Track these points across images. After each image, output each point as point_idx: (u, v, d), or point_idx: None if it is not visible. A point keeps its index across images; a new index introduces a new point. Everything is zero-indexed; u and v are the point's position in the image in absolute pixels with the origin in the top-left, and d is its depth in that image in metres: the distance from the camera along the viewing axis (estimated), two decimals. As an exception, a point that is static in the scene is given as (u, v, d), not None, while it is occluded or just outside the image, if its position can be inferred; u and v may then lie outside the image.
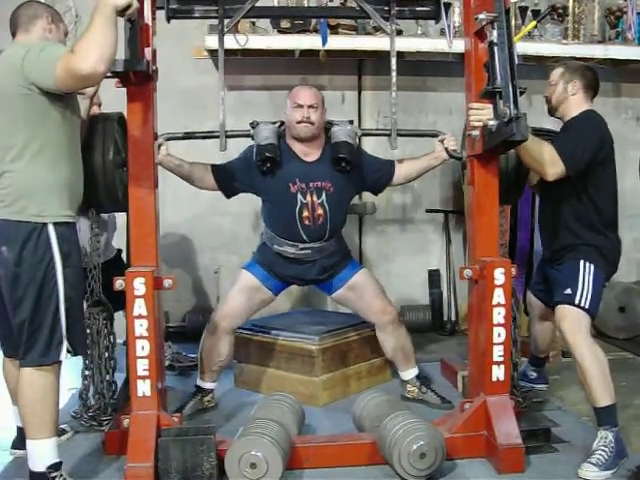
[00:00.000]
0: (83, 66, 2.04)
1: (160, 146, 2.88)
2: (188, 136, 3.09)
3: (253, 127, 3.07)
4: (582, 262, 2.74)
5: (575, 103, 2.85)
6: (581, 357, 2.59)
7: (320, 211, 3.04)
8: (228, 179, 3.11)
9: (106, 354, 2.96)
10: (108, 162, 2.66)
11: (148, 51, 2.52)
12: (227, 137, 2.98)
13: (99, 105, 3.26)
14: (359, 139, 3.19)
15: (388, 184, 3.24)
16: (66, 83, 2.14)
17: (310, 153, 3.09)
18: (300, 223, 3.04)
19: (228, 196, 3.21)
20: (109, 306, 2.99)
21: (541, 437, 2.68)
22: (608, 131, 2.81)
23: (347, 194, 3.18)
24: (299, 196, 3.03)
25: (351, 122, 3.21)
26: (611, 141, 2.81)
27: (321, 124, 3.07)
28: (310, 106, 3.00)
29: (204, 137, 3.05)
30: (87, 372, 2.96)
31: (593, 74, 2.90)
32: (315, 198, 3.03)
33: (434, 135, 3.11)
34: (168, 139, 2.96)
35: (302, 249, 3.09)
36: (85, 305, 2.91)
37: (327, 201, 3.05)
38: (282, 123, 3.14)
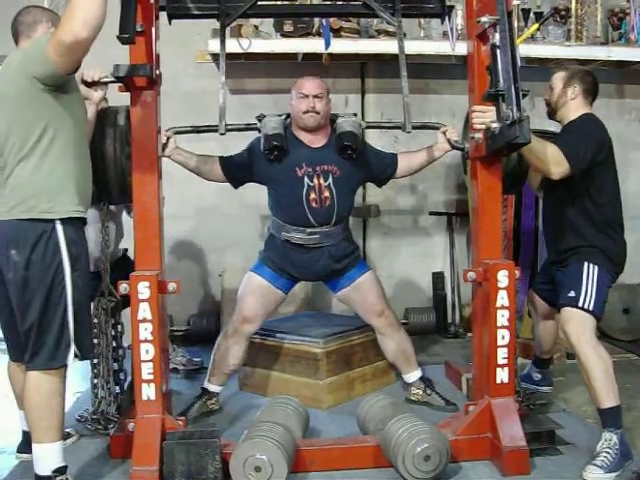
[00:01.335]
0: (65, 36, 2.03)
1: (168, 139, 2.90)
2: (196, 129, 3.10)
3: (260, 120, 3.10)
4: (586, 264, 2.75)
5: (574, 107, 2.87)
6: (585, 358, 2.59)
7: (327, 193, 3.06)
8: (236, 169, 3.14)
9: (114, 343, 3.03)
10: (119, 153, 2.67)
11: (152, 55, 2.53)
12: (234, 130, 2.99)
13: None
14: (363, 131, 3.22)
15: (392, 175, 3.25)
16: (60, 62, 2.12)
17: (316, 141, 3.12)
18: (307, 206, 3.05)
19: (236, 187, 3.24)
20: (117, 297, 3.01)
21: (545, 439, 2.68)
22: (607, 133, 2.82)
23: (353, 180, 3.18)
24: (306, 179, 3.05)
25: (355, 115, 3.24)
26: (610, 143, 2.82)
27: (327, 113, 3.10)
28: (315, 96, 3.03)
29: (212, 131, 3.05)
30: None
31: (593, 79, 2.91)
32: (322, 181, 3.05)
33: (436, 128, 3.12)
34: (176, 133, 2.98)
35: (310, 234, 3.08)
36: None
37: (334, 184, 3.06)
38: (288, 115, 3.16)
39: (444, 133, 3.04)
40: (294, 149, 3.07)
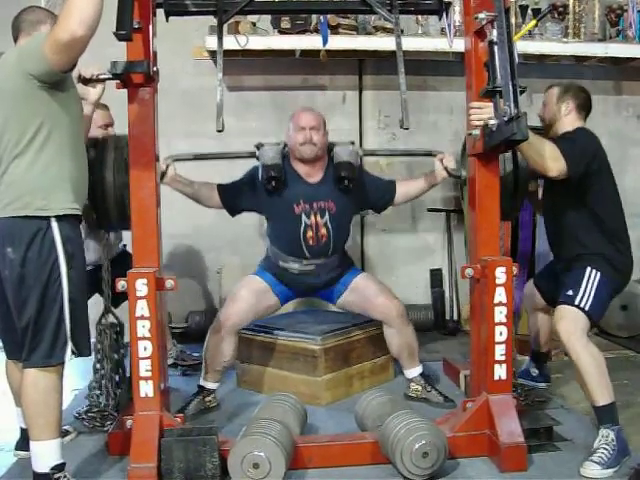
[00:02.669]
0: (62, 34, 2.03)
1: (167, 167, 2.94)
2: (196, 157, 3.17)
3: (258, 148, 3.16)
4: (589, 269, 2.77)
5: (568, 123, 2.93)
6: (577, 357, 2.61)
7: (323, 231, 3.13)
8: (234, 198, 3.20)
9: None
10: (119, 181, 2.68)
11: (150, 52, 2.53)
12: (234, 157, 3.05)
13: (112, 125, 3.32)
14: (361, 159, 3.29)
15: (390, 203, 3.33)
16: (56, 59, 2.12)
17: (313, 174, 3.17)
18: (304, 243, 3.13)
19: (233, 214, 3.29)
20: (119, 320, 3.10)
21: (543, 436, 2.68)
22: (601, 145, 2.88)
23: (349, 213, 3.29)
24: (303, 217, 3.12)
25: (352, 143, 3.29)
26: (605, 156, 2.87)
27: (324, 145, 3.15)
28: (312, 128, 3.09)
29: (212, 158, 3.13)
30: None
31: (586, 95, 2.98)
32: (319, 218, 3.12)
33: (433, 155, 3.18)
34: (175, 160, 3.03)
35: (306, 265, 3.18)
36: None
37: (330, 221, 3.14)
38: (286, 144, 3.21)
39: (441, 160, 3.08)
40: (292, 183, 3.13)
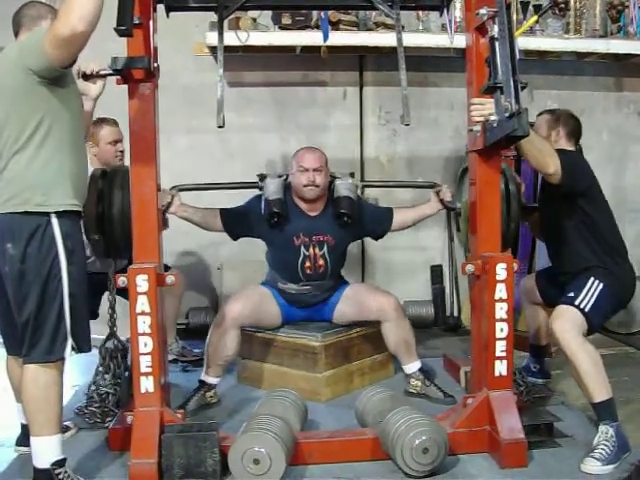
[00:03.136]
0: (62, 29, 2.03)
1: (173, 198, 3.00)
2: (200, 187, 3.23)
3: (261, 180, 3.26)
4: (592, 279, 2.79)
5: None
6: (572, 355, 2.61)
7: (321, 262, 3.26)
8: (236, 225, 3.28)
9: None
10: (126, 214, 2.68)
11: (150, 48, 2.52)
12: (237, 188, 3.19)
13: (121, 140, 3.33)
14: (362, 190, 3.41)
15: (387, 230, 3.41)
16: (56, 55, 2.12)
17: (314, 208, 3.26)
18: (302, 271, 3.26)
19: (234, 239, 3.37)
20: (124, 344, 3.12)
21: (544, 432, 2.69)
22: (590, 168, 2.90)
23: (347, 243, 3.42)
24: (302, 249, 3.23)
25: (352, 175, 3.38)
26: (596, 180, 2.89)
27: (326, 185, 3.24)
28: (315, 169, 3.16)
29: (216, 188, 3.17)
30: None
31: (575, 122, 3.03)
32: (317, 250, 3.24)
33: (430, 186, 3.27)
34: (180, 190, 3.11)
35: (302, 286, 3.31)
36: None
37: (328, 253, 3.26)
38: (288, 176, 3.28)
39: (437, 193, 3.16)
40: (293, 217, 3.22)
